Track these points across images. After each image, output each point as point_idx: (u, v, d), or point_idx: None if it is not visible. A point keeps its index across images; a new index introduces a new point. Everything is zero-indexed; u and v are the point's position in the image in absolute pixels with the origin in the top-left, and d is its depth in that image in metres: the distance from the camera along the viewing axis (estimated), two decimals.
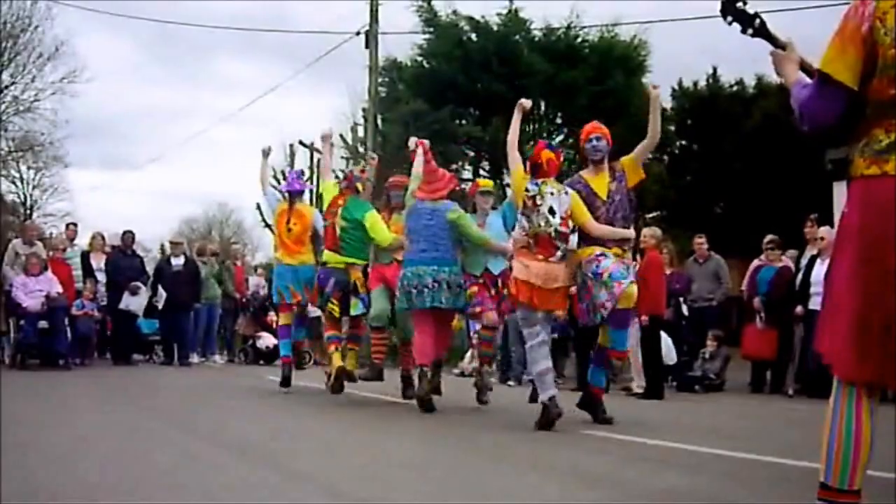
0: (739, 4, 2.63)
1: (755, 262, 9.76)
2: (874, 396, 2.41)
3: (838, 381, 2.42)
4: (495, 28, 19.79)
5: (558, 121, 21.05)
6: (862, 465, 2.35)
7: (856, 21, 2.37)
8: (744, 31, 2.64)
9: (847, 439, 2.35)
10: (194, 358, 12.58)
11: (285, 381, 7.79)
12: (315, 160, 21.07)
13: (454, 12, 20.00)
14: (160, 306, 12.19)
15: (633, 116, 19.45)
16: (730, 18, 2.64)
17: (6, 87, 25.71)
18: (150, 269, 13.27)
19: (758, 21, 2.63)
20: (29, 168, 28.89)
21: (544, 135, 20.72)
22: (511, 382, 9.88)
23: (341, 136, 21.38)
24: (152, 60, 55.86)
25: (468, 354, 10.88)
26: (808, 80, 2.52)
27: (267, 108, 75.57)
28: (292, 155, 22.58)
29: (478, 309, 6.52)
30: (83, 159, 62.11)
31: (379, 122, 19.71)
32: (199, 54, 59.63)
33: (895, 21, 2.32)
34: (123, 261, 12.19)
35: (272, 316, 13.25)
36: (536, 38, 19.83)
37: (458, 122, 19.85)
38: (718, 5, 2.66)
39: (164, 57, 55.55)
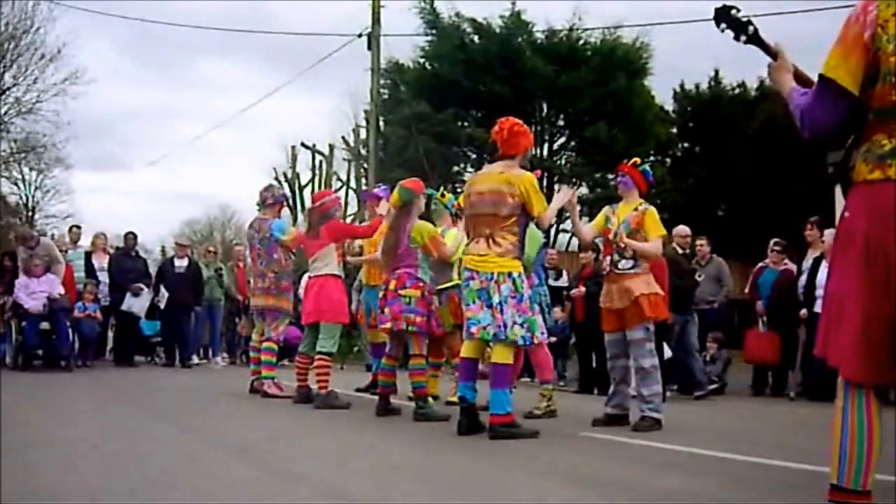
0: (733, 12, 2.65)
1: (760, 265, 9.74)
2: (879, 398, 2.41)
3: (846, 383, 2.41)
4: (497, 30, 19.82)
5: (560, 123, 21.07)
6: (874, 465, 2.34)
7: (857, 28, 2.38)
8: (737, 39, 2.67)
9: (860, 439, 2.34)
10: (195, 359, 12.57)
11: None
12: (317, 162, 21.09)
13: (456, 14, 20.05)
14: (162, 306, 12.20)
15: (634, 119, 19.51)
16: (723, 26, 2.67)
17: (8, 88, 25.76)
18: (153, 270, 13.26)
19: (751, 28, 2.66)
20: (31, 170, 28.96)
21: (546, 137, 20.76)
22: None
23: (343, 138, 21.42)
24: (148, 62, 56.07)
25: None
26: (803, 88, 2.54)
27: (266, 111, 75.65)
28: (294, 157, 22.60)
29: None
30: (83, 160, 62.10)
31: (381, 124, 19.74)
32: (197, 56, 59.75)
33: None
34: (127, 262, 12.18)
35: None
36: (538, 41, 19.86)
37: (460, 124, 19.87)
38: (712, 12, 2.68)
39: (160, 58, 55.81)
